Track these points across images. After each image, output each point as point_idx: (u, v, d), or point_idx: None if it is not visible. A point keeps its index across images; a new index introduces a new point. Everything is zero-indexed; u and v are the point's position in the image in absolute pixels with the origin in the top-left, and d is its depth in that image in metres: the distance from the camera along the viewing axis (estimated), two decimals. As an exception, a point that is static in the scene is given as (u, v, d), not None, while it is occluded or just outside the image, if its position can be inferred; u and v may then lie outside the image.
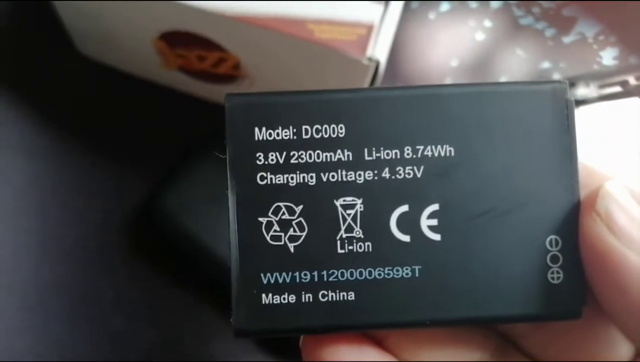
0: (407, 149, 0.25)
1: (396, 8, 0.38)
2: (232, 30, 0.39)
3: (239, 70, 0.43)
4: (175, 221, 0.45)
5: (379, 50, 0.37)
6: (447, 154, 0.25)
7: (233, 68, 0.43)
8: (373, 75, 0.38)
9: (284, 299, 0.24)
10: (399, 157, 0.25)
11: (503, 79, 0.46)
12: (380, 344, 0.26)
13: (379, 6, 0.37)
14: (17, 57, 0.49)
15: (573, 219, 0.25)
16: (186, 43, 0.42)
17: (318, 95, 0.25)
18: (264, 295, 0.24)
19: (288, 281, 0.24)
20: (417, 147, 0.25)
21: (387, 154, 0.25)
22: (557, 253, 0.25)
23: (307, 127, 0.24)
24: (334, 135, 0.24)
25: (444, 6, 0.48)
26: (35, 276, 0.45)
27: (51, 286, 0.45)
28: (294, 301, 0.24)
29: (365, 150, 0.25)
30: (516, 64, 0.46)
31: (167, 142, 0.47)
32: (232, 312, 0.24)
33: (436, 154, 0.25)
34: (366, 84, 0.38)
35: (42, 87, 0.48)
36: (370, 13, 0.37)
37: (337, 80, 0.39)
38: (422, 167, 0.25)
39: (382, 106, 0.25)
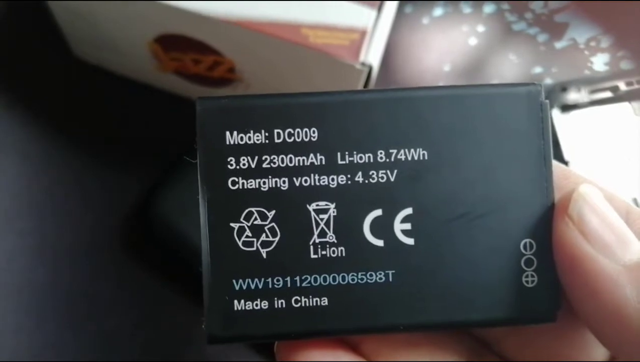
0: (380, 153, 0.24)
1: (389, 13, 0.38)
2: (226, 34, 0.38)
3: (234, 73, 0.42)
4: (171, 223, 0.44)
5: (372, 55, 0.36)
6: (420, 157, 0.24)
7: (228, 72, 0.42)
8: (366, 80, 0.37)
9: (257, 305, 0.24)
10: (372, 161, 0.24)
11: (495, 84, 0.46)
12: (355, 348, 0.26)
13: (373, 11, 0.37)
14: (13, 59, 0.48)
15: (547, 223, 0.24)
16: (181, 46, 0.41)
17: (290, 98, 0.24)
18: (236, 301, 0.24)
19: (260, 286, 0.24)
20: (390, 150, 0.24)
21: (360, 158, 0.24)
22: (532, 256, 0.24)
23: (279, 130, 0.24)
24: (307, 139, 0.24)
25: (438, 11, 0.47)
26: (30, 277, 0.44)
27: (46, 287, 0.44)
28: (266, 307, 0.24)
29: (338, 154, 0.24)
30: (509, 68, 0.46)
31: (163, 145, 0.47)
32: (204, 318, 0.24)
33: (409, 158, 0.24)
34: (359, 88, 0.37)
35: (37, 90, 0.48)
36: (363, 18, 0.37)
37: (331, 85, 0.39)
38: (395, 171, 0.24)
39: (355, 109, 0.24)
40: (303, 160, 0.24)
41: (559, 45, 0.46)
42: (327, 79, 0.38)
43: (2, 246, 0.45)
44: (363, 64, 0.36)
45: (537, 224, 0.24)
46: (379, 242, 0.24)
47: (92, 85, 0.48)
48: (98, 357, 0.44)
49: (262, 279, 0.24)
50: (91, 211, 0.46)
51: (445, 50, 0.47)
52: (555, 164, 0.24)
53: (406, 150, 0.24)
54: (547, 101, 0.24)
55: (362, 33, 0.36)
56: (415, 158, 0.24)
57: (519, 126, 0.24)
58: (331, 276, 0.24)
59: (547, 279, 0.24)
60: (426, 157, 0.24)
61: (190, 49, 0.41)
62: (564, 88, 0.45)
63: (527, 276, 0.24)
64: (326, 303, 0.24)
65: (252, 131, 0.24)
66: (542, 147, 0.24)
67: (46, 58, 0.48)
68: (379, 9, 0.37)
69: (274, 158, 0.24)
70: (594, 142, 0.44)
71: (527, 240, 0.24)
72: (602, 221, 0.23)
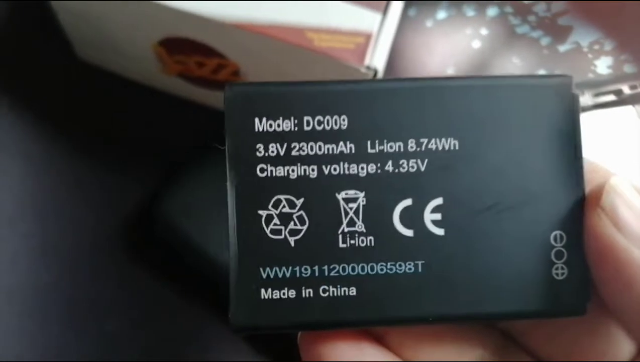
0: (411, 142, 0.23)
1: (394, 17, 0.38)
2: (231, 37, 0.38)
3: (238, 76, 0.42)
4: (172, 225, 0.44)
5: (377, 58, 0.36)
6: (452, 147, 0.23)
7: (232, 74, 0.42)
8: None
9: (284, 294, 0.23)
10: (402, 150, 0.23)
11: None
12: (380, 340, 0.25)
13: (378, 15, 0.37)
14: (17, 61, 0.48)
15: (578, 215, 0.24)
16: (185, 49, 0.41)
17: (320, 86, 0.24)
18: (263, 290, 0.23)
19: (288, 275, 0.23)
20: (421, 140, 0.23)
21: (391, 147, 0.23)
22: (562, 249, 0.24)
23: (309, 118, 0.23)
24: (336, 127, 0.23)
25: (441, 14, 0.47)
26: (32, 279, 0.44)
27: (48, 289, 0.44)
28: (294, 296, 0.23)
29: (369, 142, 0.23)
30: (512, 71, 0.46)
31: (166, 147, 0.46)
32: (229, 307, 0.23)
33: (440, 148, 0.23)
34: None
35: (41, 92, 0.48)
36: (368, 22, 0.37)
37: None
38: (425, 161, 0.23)
39: (386, 98, 0.23)
40: (332, 148, 0.23)
41: (562, 48, 0.46)
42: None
43: (5, 248, 0.44)
44: (368, 67, 0.36)
45: (568, 216, 0.24)
46: (409, 232, 0.23)
47: (95, 87, 0.48)
48: (100, 358, 0.44)
49: (290, 268, 0.23)
50: (93, 212, 0.46)
51: (448, 53, 0.47)
52: (583, 157, 0.24)
53: (437, 139, 0.23)
54: (578, 93, 0.24)
55: (368, 36, 0.36)
56: (446, 148, 0.23)
57: (549, 118, 0.24)
58: (360, 265, 0.23)
59: (578, 271, 0.24)
60: (457, 148, 0.23)
61: (194, 51, 0.41)
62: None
63: (557, 268, 0.24)
64: (354, 293, 0.23)
65: (281, 118, 0.23)
66: (573, 138, 0.24)
67: (50, 59, 0.48)
68: (384, 12, 0.37)
69: (303, 146, 0.23)
70: (598, 145, 0.44)
71: (558, 232, 0.24)
72: (635, 212, 0.22)
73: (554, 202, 0.24)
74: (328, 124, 0.23)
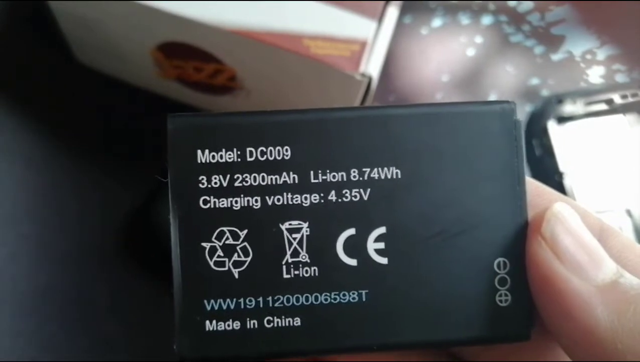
0: (354, 172, 0.23)
1: (389, 25, 0.37)
2: (228, 43, 0.38)
3: (235, 82, 0.41)
4: (169, 227, 0.43)
5: (372, 66, 0.36)
6: (394, 176, 0.23)
7: (229, 80, 0.41)
8: (366, 91, 0.37)
9: (229, 325, 0.23)
10: (345, 179, 0.23)
11: (493, 95, 0.46)
12: None
13: (373, 23, 0.36)
14: (16, 64, 0.48)
15: (520, 242, 0.23)
16: (183, 54, 0.40)
17: (262, 116, 0.23)
18: (207, 322, 0.23)
19: (232, 307, 0.23)
20: (364, 169, 0.23)
21: (334, 177, 0.23)
22: (505, 276, 0.23)
23: (252, 149, 0.23)
24: (280, 158, 0.23)
25: (436, 22, 0.47)
26: (29, 280, 0.44)
27: (45, 290, 0.44)
28: (238, 327, 0.23)
29: (312, 172, 0.23)
30: (506, 79, 0.46)
31: (163, 150, 0.46)
32: (174, 339, 0.23)
33: (383, 177, 0.23)
34: (359, 99, 0.37)
35: (40, 95, 0.47)
36: (364, 30, 0.36)
37: (331, 95, 0.38)
38: (368, 190, 0.23)
39: (328, 128, 0.23)
40: (276, 179, 0.23)
41: (555, 57, 0.46)
42: (327, 89, 0.38)
43: (2, 249, 0.44)
44: (363, 74, 0.36)
45: (511, 243, 0.23)
46: (353, 262, 0.23)
47: (93, 90, 0.47)
48: (96, 360, 0.43)
49: (234, 300, 0.23)
50: (91, 215, 0.45)
51: (443, 60, 0.47)
52: (529, 181, 0.24)
53: (379, 169, 0.23)
54: (521, 120, 0.23)
55: (363, 44, 0.36)
56: (389, 177, 0.23)
57: (492, 144, 0.23)
58: (304, 296, 0.23)
59: (521, 298, 0.23)
60: (400, 176, 0.23)
61: (192, 57, 0.40)
62: (559, 100, 0.44)
63: (500, 295, 0.23)
64: (299, 323, 0.23)
65: (224, 150, 0.23)
66: (515, 165, 0.23)
67: (49, 63, 0.48)
68: (380, 20, 0.37)
69: (246, 177, 0.23)
70: (589, 153, 0.43)
71: (501, 259, 0.23)
72: (576, 240, 0.22)
73: (497, 229, 0.23)
74: (271, 155, 0.23)
